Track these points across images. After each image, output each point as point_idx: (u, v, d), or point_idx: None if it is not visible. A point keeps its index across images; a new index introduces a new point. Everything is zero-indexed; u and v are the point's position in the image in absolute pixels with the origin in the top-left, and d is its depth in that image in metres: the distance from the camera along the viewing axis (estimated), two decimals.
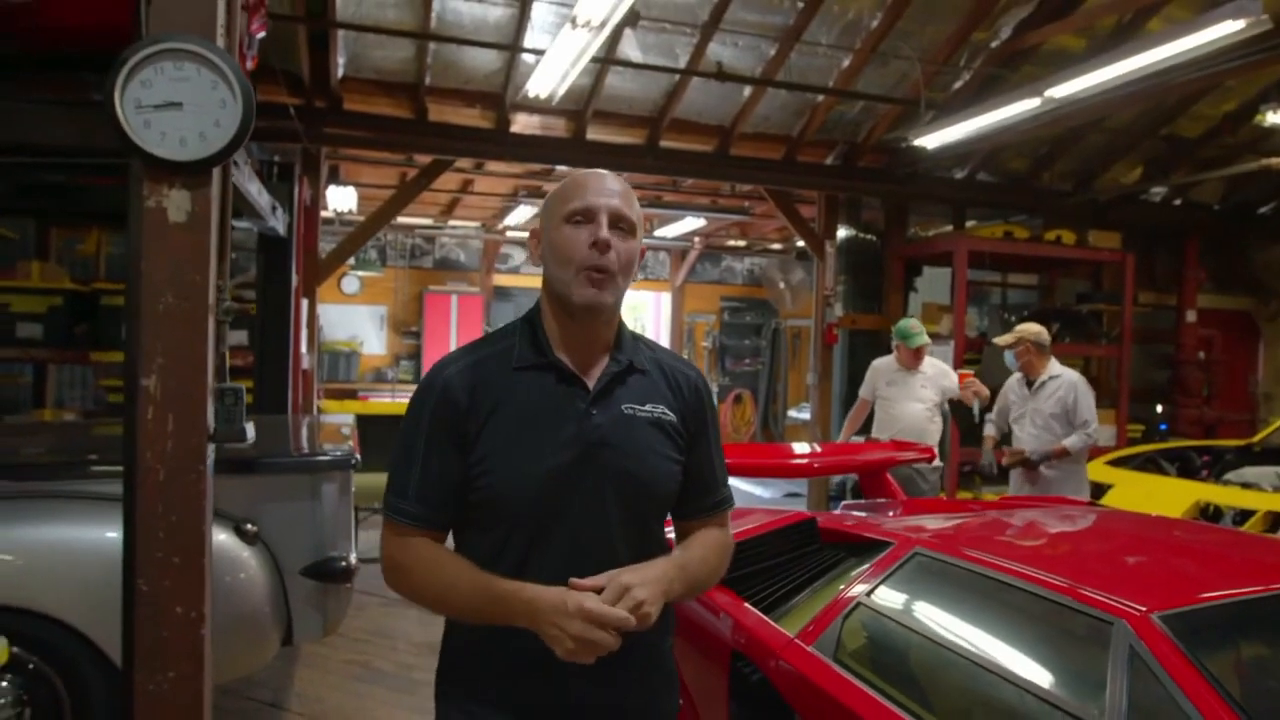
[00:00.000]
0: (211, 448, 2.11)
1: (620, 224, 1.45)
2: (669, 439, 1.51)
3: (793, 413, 11.19)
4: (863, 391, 5.62)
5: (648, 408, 1.50)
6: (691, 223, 10.03)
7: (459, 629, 1.51)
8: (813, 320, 7.90)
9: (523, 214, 9.71)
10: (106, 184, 5.17)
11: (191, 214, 2.04)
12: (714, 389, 12.32)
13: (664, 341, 13.21)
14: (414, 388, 1.55)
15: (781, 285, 11.53)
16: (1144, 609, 1.79)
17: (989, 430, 5.22)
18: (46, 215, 5.87)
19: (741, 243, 12.18)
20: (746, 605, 2.51)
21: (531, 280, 11.98)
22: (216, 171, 2.11)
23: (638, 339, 1.57)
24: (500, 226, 10.83)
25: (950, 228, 8.41)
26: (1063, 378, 4.86)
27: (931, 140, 6.14)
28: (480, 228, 11.22)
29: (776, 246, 12.24)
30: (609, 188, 1.46)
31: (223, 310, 2.16)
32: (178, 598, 2.02)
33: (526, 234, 11.30)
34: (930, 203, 8.19)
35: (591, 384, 1.49)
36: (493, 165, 8.06)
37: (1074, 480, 4.79)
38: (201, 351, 2.05)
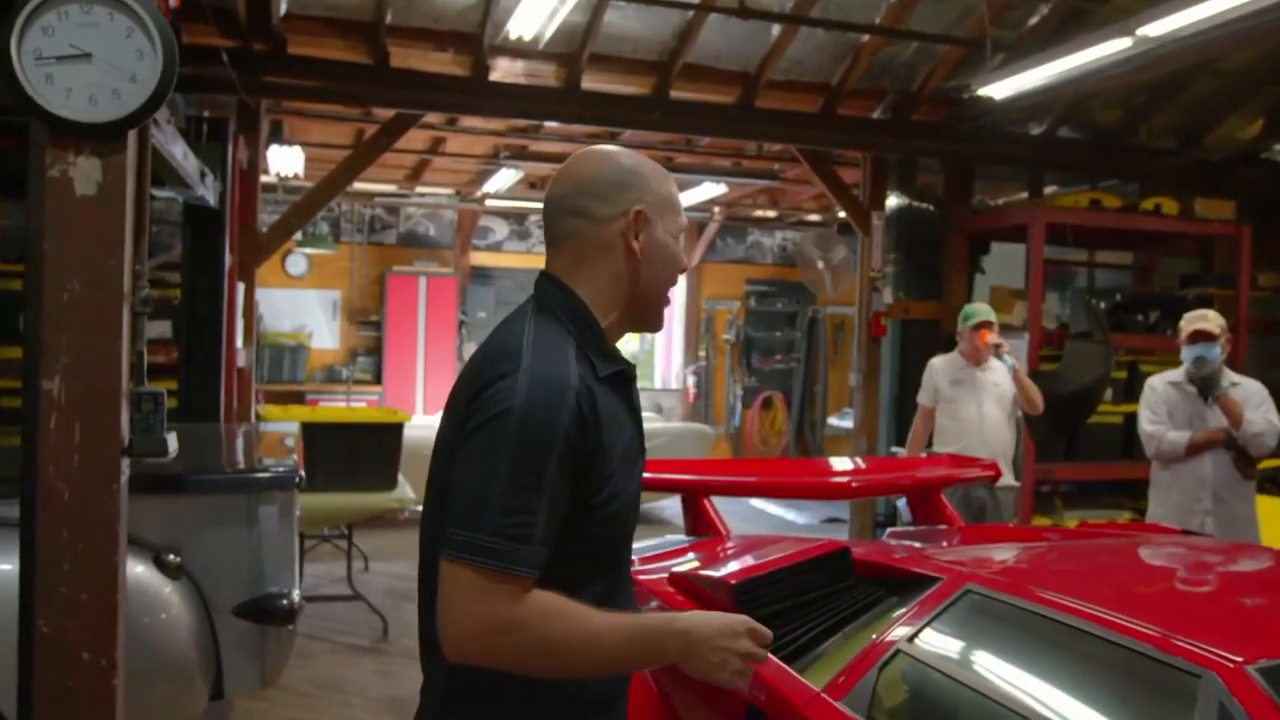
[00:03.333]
0: (126, 463, 2.17)
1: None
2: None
3: (833, 420, 11.24)
4: (922, 398, 5.66)
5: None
6: (710, 189, 10.08)
7: (517, 680, 1.48)
8: (856, 308, 7.94)
9: (505, 179, 9.78)
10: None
11: (103, 185, 2.10)
12: (738, 392, 12.44)
13: (676, 334, 13.27)
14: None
15: (820, 265, 11.57)
16: (1239, 660, 1.83)
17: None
18: None
19: (771, 213, 12.22)
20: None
21: (516, 259, 12.05)
22: (133, 134, 2.17)
23: None
24: (478, 194, 10.90)
25: (1024, 195, 8.43)
26: (1245, 385, 4.64)
27: (1001, 89, 6.17)
28: (454, 196, 11.29)
29: (814, 218, 12.27)
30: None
31: (140, 299, 2.22)
32: (85, 642, 2.07)
33: (512, 203, 11.54)
34: (1000, 165, 8.21)
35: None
36: (468, 120, 8.11)
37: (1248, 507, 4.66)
38: (115, 349, 2.11)
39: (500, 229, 12.03)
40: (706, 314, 12.64)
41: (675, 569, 3.06)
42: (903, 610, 2.52)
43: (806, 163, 7.72)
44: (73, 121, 2.07)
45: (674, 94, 7.03)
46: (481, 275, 11.99)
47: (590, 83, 6.90)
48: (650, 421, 10.61)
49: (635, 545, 3.78)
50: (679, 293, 13.40)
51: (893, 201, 7.94)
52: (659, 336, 15.10)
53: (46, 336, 2.08)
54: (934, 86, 7.23)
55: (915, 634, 2.35)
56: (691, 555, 3.29)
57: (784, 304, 12.84)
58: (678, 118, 7.22)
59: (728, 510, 10.00)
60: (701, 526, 3.67)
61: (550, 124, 7.87)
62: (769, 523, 9.31)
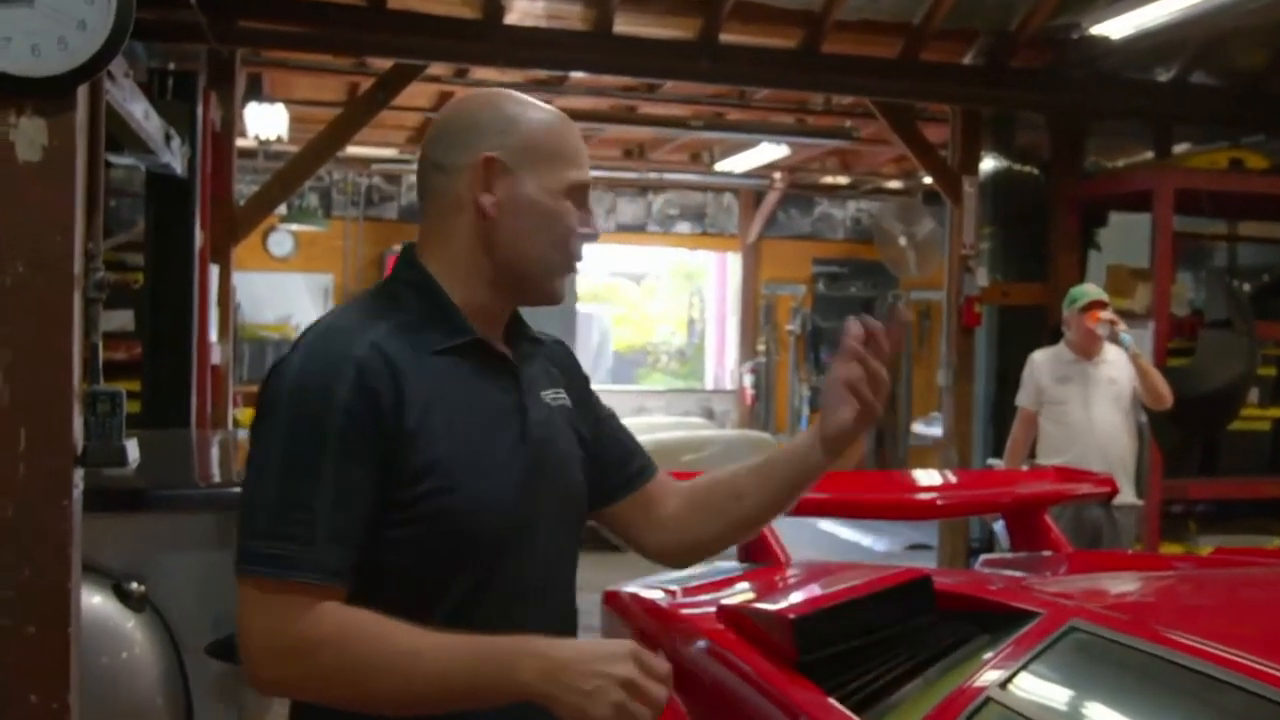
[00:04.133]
0: (80, 474, 2.22)
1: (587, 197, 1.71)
2: (575, 431, 1.74)
3: (919, 427, 11.20)
4: (1022, 399, 5.63)
5: (556, 393, 1.72)
6: (769, 151, 10.08)
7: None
8: (945, 292, 7.91)
9: None
10: None
11: (49, 150, 2.14)
12: (804, 394, 12.43)
13: (730, 325, 13.27)
14: None
15: (901, 241, 11.48)
16: None
17: None
18: None
19: (843, 179, 12.18)
20: (831, 701, 2.56)
21: None
22: (84, 91, 2.21)
23: None
24: None
25: (1149, 156, 8.35)
26: None
27: (1119, 25, 6.12)
28: None
29: (894, 185, 12.22)
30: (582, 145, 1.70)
31: (94, 284, 2.27)
32: (32, 682, 2.12)
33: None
34: (1119, 119, 8.13)
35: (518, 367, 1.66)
36: (480, 72, 8.17)
37: None
38: (65, 342, 2.15)
39: None
40: (766, 300, 12.64)
41: (724, 601, 3.07)
42: (994, 651, 2.52)
43: (883, 118, 7.70)
44: (12, 76, 2.11)
45: (724, 38, 7.04)
46: None
47: (623, 25, 6.93)
48: (698, 429, 10.64)
49: (678, 575, 3.83)
50: (733, 276, 13.42)
51: (988, 164, 7.90)
52: (709, 328, 15.13)
53: None
54: (1037, 25, 7.16)
55: (1008, 679, 2.35)
56: (745, 585, 3.31)
57: (858, 288, 12.80)
58: (729, 65, 7.22)
59: (792, 535, 10.01)
60: (757, 552, 3.68)
61: (576, 75, 7.90)
62: (841, 549, 9.30)
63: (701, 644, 3.00)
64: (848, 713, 2.51)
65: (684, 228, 12.66)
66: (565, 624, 1.67)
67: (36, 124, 2.14)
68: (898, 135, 7.77)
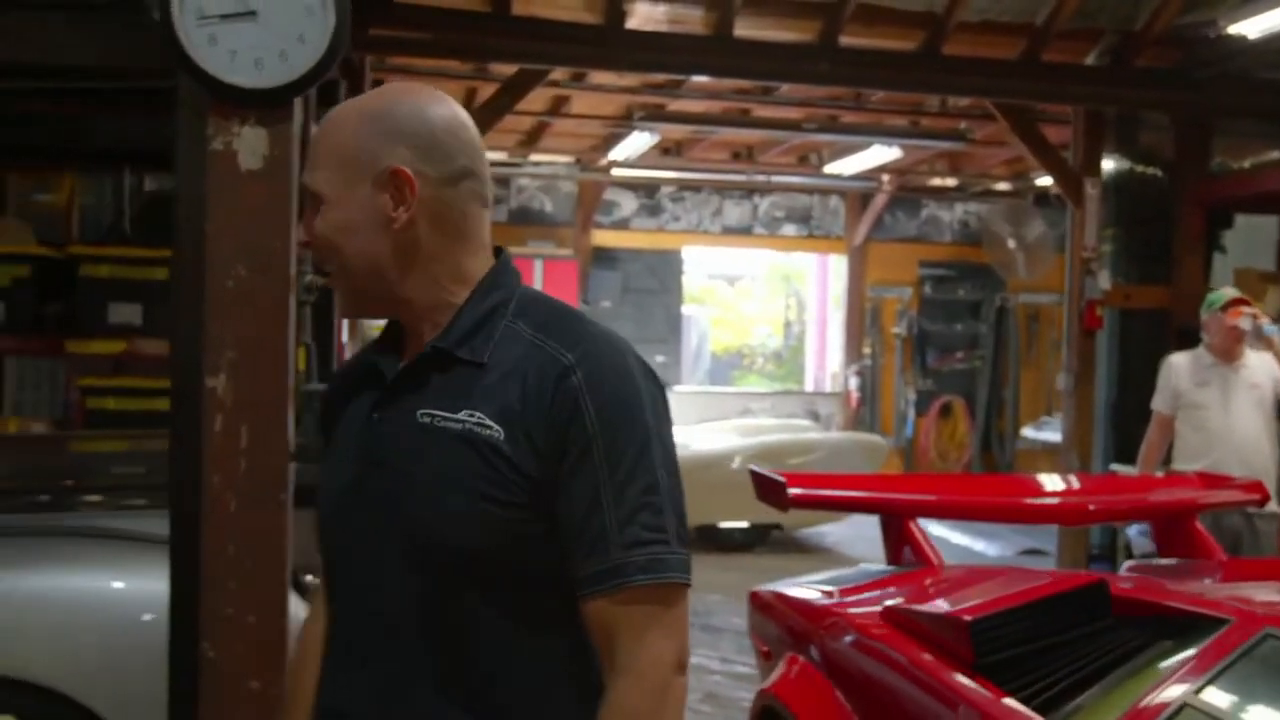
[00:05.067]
0: (294, 470, 2.30)
1: (312, 199, 1.50)
2: (485, 463, 1.41)
3: (1028, 430, 11.06)
4: (1158, 403, 5.54)
5: (461, 415, 1.43)
6: (880, 153, 10.03)
7: None
8: (1065, 295, 7.81)
9: (637, 144, 9.90)
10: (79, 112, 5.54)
11: (269, 158, 2.23)
12: (910, 397, 12.34)
13: (835, 325, 13.21)
14: None
15: (1011, 244, 11.38)
16: None
17: None
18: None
19: (951, 181, 12.08)
20: (1009, 701, 2.56)
21: (646, 238, 12.18)
22: (298, 103, 2.29)
23: (503, 308, 1.50)
24: (603, 162, 11.05)
25: (1278, 155, 8.16)
26: None
27: (1254, 24, 6.00)
28: (574, 165, 11.46)
29: (1003, 186, 12.09)
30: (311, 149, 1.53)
31: (304, 286, 2.35)
32: (254, 669, 2.20)
33: (641, 172, 11.52)
34: (1248, 119, 7.97)
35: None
36: (598, 76, 8.24)
37: None
38: (282, 342, 2.24)
39: (628, 203, 12.16)
40: (872, 303, 12.56)
41: (889, 603, 3.08)
42: (1179, 658, 2.50)
43: (1003, 119, 7.63)
44: (238, 88, 2.20)
45: (844, 40, 7.02)
46: (605, 257, 12.13)
47: (744, 29, 6.94)
48: (805, 431, 10.61)
49: (828, 575, 3.84)
50: (835, 279, 13.36)
51: (1109, 165, 7.80)
52: (809, 330, 15.09)
53: (210, 329, 2.21)
54: (1165, 24, 7.05)
55: (1202, 687, 2.33)
56: (905, 588, 3.31)
57: (966, 291, 12.68)
58: (849, 68, 7.21)
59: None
60: (908, 554, 3.68)
61: (698, 78, 7.94)
62: (953, 553, 9.19)
63: (868, 644, 3.01)
64: (1031, 714, 2.50)
65: (789, 230, 12.63)
66: (396, 665, 1.47)
67: (258, 133, 2.23)
68: (1018, 136, 7.69)
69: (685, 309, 13.47)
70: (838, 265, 13.72)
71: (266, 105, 2.23)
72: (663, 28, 7.06)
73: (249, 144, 2.23)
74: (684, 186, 12.13)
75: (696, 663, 6.16)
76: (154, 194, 6.81)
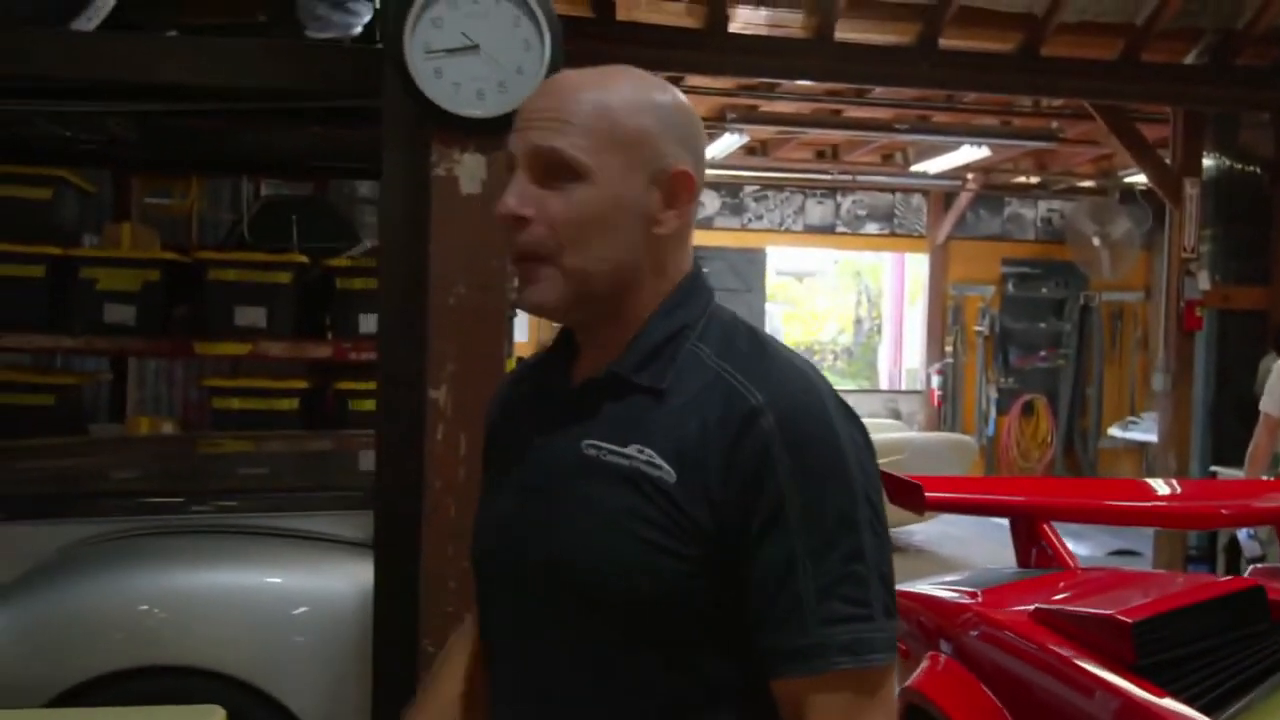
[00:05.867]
0: None
1: (554, 167, 1.28)
2: (653, 507, 1.24)
3: (1114, 430, 11.05)
4: (1267, 405, 5.58)
5: (629, 449, 1.27)
6: (968, 153, 10.07)
7: None
8: (1163, 295, 7.84)
9: (726, 144, 10.01)
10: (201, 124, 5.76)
11: (486, 183, 2.38)
12: (992, 395, 12.36)
13: (916, 325, 13.25)
14: None
15: (1095, 241, 11.35)
16: None
17: None
18: (125, 163, 6.55)
19: (1034, 179, 12.08)
20: (1171, 702, 2.65)
21: (729, 237, 12.28)
22: None
23: (689, 329, 1.33)
24: None
25: None
26: None
27: None
28: None
29: (1087, 184, 12.07)
30: (538, 106, 1.31)
31: (512, 303, 2.50)
32: None
33: (726, 171, 11.60)
34: None
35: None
36: (693, 79, 8.35)
37: None
38: (499, 355, 2.39)
39: (711, 202, 12.28)
40: (954, 301, 12.58)
41: (1039, 604, 3.18)
42: None
43: (1101, 120, 7.67)
44: (460, 117, 2.36)
45: (943, 42, 7.09)
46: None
47: (844, 31, 7.03)
48: (892, 430, 10.68)
49: (958, 576, 3.95)
50: (912, 276, 13.41)
51: (1208, 164, 7.81)
52: (885, 327, 15.12)
53: (434, 343, 2.37)
54: (1269, 21, 7.06)
55: None
56: (1051, 589, 3.41)
57: (1049, 289, 12.66)
58: (948, 70, 7.27)
59: (989, 536, 9.94)
60: (1041, 556, 3.78)
61: (802, 82, 8.03)
62: None
63: (1019, 644, 3.11)
64: (1195, 714, 2.60)
65: (872, 228, 12.68)
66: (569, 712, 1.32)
67: (477, 160, 2.38)
68: (1115, 136, 7.73)
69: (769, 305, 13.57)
70: (913, 262, 13.75)
71: (486, 133, 2.38)
72: (763, 31, 7.17)
73: (469, 170, 2.38)
74: (767, 185, 12.22)
75: None
76: (269, 199, 7.03)
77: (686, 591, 1.24)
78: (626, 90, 1.30)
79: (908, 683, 3.52)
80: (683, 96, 1.36)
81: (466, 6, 2.35)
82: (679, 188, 1.31)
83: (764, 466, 1.21)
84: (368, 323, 6.20)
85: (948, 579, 3.96)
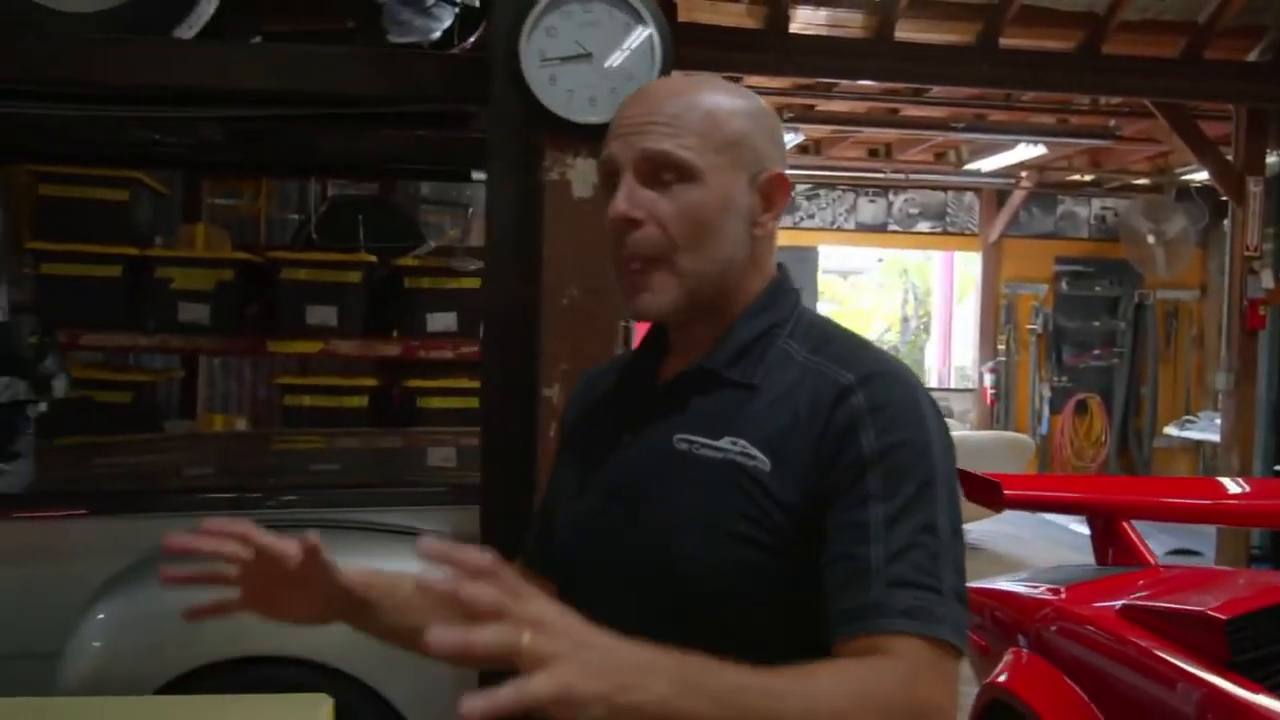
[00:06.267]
0: None
1: (664, 169, 1.29)
2: (748, 499, 1.24)
3: (1171, 429, 10.99)
4: None
5: (723, 442, 1.27)
6: (1024, 151, 10.06)
7: None
8: (1225, 294, 7.82)
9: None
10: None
11: (598, 187, 2.45)
12: (1045, 394, 12.33)
13: (969, 323, 13.24)
14: None
15: (1150, 239, 11.31)
16: None
17: None
18: (197, 167, 6.68)
19: (1088, 177, 12.04)
20: (1265, 698, 2.68)
21: (781, 236, 12.25)
22: None
23: (779, 328, 1.35)
24: None
25: None
26: None
27: None
28: None
29: (1141, 181, 12.02)
30: (638, 113, 1.32)
31: (617, 306, 2.57)
32: None
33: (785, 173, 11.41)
34: None
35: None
36: (751, 79, 8.39)
37: None
38: (610, 355, 2.45)
39: None
40: (1007, 300, 12.56)
41: (1127, 601, 3.21)
42: None
43: (1164, 118, 7.65)
44: (573, 123, 2.42)
45: (1004, 41, 7.10)
46: None
47: (904, 31, 7.05)
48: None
49: (1036, 573, 3.98)
50: (971, 273, 13.39)
51: (1271, 160, 7.75)
52: (934, 326, 15.10)
53: (547, 343, 2.44)
54: None
55: None
56: (1136, 586, 3.44)
57: (1103, 287, 12.62)
58: (1009, 69, 7.27)
59: (1046, 534, 9.92)
60: (1118, 554, 3.81)
61: (864, 82, 8.06)
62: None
63: (1106, 640, 3.15)
64: None
65: (924, 227, 12.68)
66: None
67: (589, 165, 2.45)
68: (1177, 134, 7.71)
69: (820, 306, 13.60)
70: (962, 260, 13.74)
71: (597, 139, 2.44)
72: (823, 32, 7.20)
73: (581, 174, 2.45)
74: (819, 184, 12.24)
75: None
76: (336, 199, 7.15)
77: (787, 587, 1.22)
78: (722, 95, 1.34)
79: (990, 678, 3.56)
80: (767, 105, 1.41)
81: (580, 16, 2.41)
82: (775, 190, 1.35)
83: (850, 437, 1.22)
84: (435, 321, 6.33)
85: (1024, 576, 4.00)
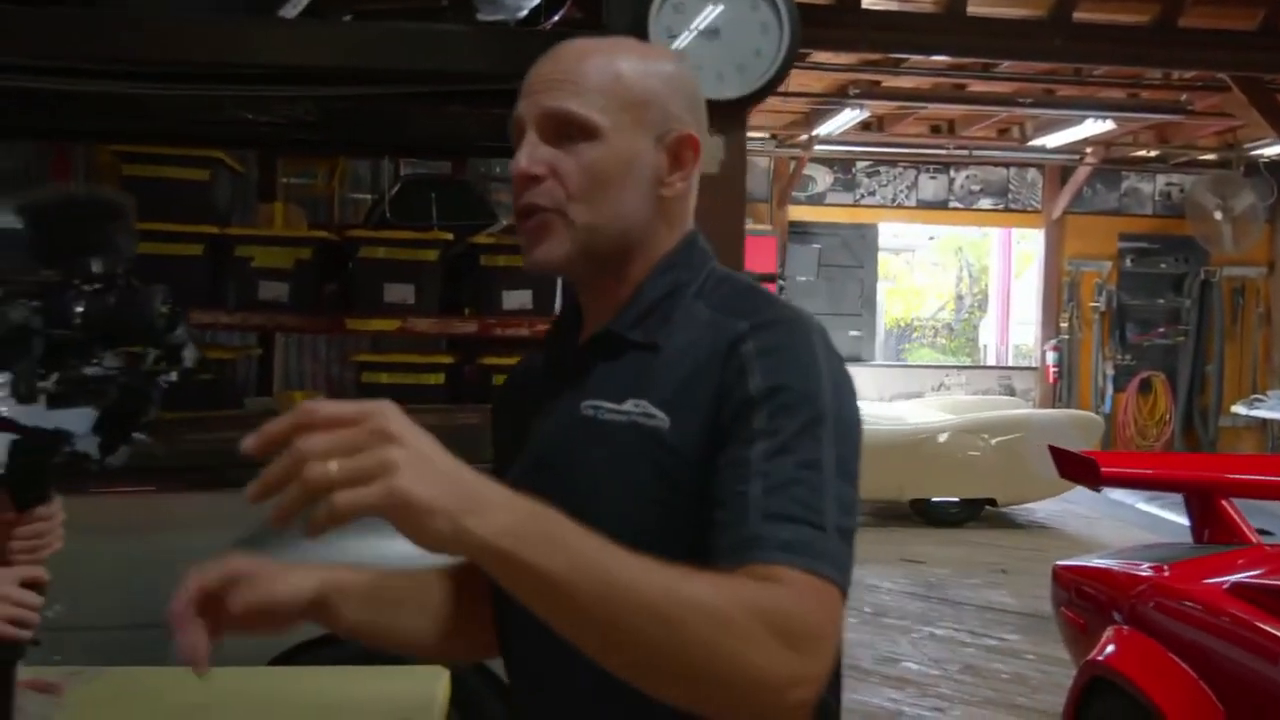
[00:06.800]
0: None
1: (568, 126, 1.29)
2: (650, 461, 1.23)
3: (1239, 407, 10.89)
4: None
5: (626, 405, 1.26)
6: (1089, 127, 9.96)
7: None
8: None
9: (843, 120, 10.00)
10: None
11: (725, 163, 2.46)
12: (1108, 372, 12.24)
13: (1030, 302, 13.15)
14: None
15: (1217, 215, 11.21)
16: None
17: None
18: (272, 145, 6.74)
19: (1153, 152, 11.91)
20: None
21: (841, 213, 12.29)
22: None
23: (685, 288, 1.33)
24: (802, 138, 11.16)
25: None
26: None
27: None
28: (769, 139, 11.60)
29: (1208, 157, 11.88)
30: (546, 71, 1.32)
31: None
32: None
33: (838, 147, 11.58)
34: None
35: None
36: (819, 54, 8.36)
37: None
38: None
39: (823, 178, 12.27)
40: (1070, 277, 12.46)
41: (1236, 578, 3.20)
42: None
43: (1240, 91, 7.55)
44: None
45: (1078, 16, 7.02)
46: (800, 231, 12.28)
47: (975, 6, 6.99)
48: (1011, 408, 10.63)
49: (1133, 549, 3.96)
50: (1034, 250, 13.29)
51: None
52: (993, 302, 15.01)
53: None
54: None
55: None
56: (1242, 564, 3.43)
57: (1168, 264, 12.51)
58: (1083, 44, 7.19)
59: (1118, 515, 9.86)
60: (1219, 532, 3.79)
61: (936, 58, 8.01)
62: (1173, 531, 9.16)
63: (1215, 618, 3.14)
64: None
65: (985, 204, 12.59)
66: (567, 690, 1.27)
67: (716, 141, 2.46)
68: (1255, 108, 7.62)
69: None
70: (1019, 237, 13.63)
71: (724, 115, 2.45)
72: (894, 7, 7.16)
73: (708, 150, 2.43)
74: (880, 161, 12.18)
75: (945, 634, 6.32)
76: (409, 178, 7.19)
77: (699, 537, 1.15)
78: (634, 55, 1.33)
79: (1091, 656, 3.55)
80: (687, 66, 1.41)
81: None
82: (684, 151, 1.34)
83: (740, 380, 1.19)
84: (510, 299, 6.35)
85: (1116, 553, 3.99)
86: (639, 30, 2.42)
